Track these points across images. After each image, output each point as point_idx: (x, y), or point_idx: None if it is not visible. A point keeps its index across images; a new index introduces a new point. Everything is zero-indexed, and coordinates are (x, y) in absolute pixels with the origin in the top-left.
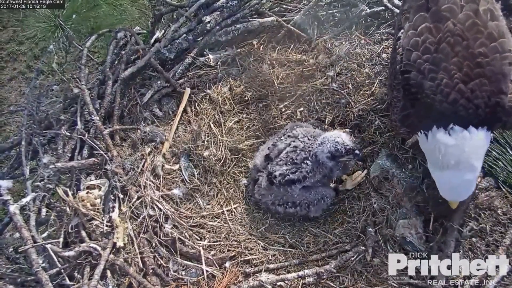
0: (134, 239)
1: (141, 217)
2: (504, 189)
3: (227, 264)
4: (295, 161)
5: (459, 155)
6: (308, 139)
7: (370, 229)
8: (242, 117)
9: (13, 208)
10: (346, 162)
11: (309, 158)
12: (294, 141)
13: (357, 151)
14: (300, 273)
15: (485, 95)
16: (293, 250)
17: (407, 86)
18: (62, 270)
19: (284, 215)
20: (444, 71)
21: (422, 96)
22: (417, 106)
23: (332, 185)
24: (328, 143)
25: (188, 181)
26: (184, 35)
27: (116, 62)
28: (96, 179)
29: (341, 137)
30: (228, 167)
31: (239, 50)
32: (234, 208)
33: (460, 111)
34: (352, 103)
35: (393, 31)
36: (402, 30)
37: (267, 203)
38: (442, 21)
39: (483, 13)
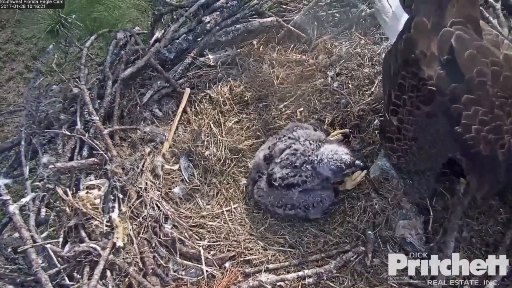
0: (134, 239)
1: (141, 217)
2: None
3: (227, 264)
4: (295, 164)
5: None
6: (310, 143)
7: (370, 232)
8: (242, 117)
9: (13, 208)
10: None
11: (309, 163)
12: (294, 143)
13: (357, 162)
14: (300, 273)
15: None
16: (293, 250)
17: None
18: (62, 270)
19: (283, 217)
20: (507, 134)
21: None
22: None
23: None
24: (329, 162)
25: (188, 181)
26: (184, 35)
27: (116, 62)
28: (96, 179)
29: (338, 153)
30: (228, 167)
31: (239, 50)
32: (234, 208)
33: None
34: (352, 103)
35: None
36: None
37: (267, 204)
38: (481, 88)
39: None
